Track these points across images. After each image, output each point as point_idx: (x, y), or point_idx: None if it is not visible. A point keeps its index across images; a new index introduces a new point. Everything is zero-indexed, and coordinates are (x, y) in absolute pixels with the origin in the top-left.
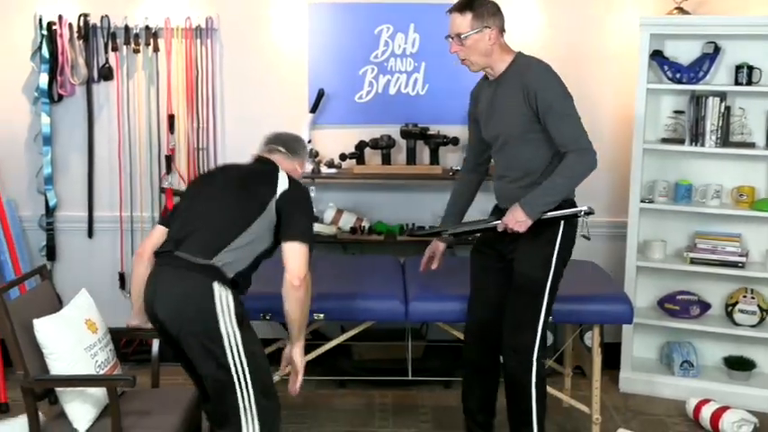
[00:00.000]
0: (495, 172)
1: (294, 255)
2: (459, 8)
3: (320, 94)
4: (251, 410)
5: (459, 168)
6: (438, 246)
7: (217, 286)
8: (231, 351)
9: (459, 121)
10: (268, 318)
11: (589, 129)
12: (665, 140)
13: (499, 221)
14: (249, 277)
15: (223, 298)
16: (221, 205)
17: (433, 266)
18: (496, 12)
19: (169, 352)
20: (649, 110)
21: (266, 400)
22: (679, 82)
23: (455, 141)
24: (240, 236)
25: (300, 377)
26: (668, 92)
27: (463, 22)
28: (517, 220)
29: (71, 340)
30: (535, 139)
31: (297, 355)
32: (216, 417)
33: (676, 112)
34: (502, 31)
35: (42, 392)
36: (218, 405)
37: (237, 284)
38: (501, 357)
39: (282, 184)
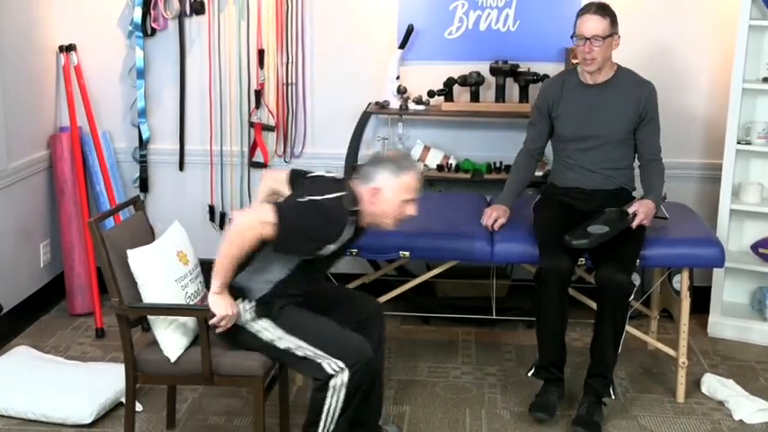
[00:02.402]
0: (572, 162)
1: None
2: (599, 12)
3: (409, 30)
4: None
5: None
6: (503, 210)
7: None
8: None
9: (550, 59)
10: (354, 252)
11: (686, 67)
12: (766, 80)
13: (629, 218)
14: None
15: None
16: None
17: (496, 227)
18: (617, 19)
19: None
20: (750, 48)
21: (337, 347)
22: None
23: (545, 79)
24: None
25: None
26: None
27: (602, 25)
28: (650, 214)
29: (163, 271)
30: (630, 143)
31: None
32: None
33: None
34: None
35: (135, 320)
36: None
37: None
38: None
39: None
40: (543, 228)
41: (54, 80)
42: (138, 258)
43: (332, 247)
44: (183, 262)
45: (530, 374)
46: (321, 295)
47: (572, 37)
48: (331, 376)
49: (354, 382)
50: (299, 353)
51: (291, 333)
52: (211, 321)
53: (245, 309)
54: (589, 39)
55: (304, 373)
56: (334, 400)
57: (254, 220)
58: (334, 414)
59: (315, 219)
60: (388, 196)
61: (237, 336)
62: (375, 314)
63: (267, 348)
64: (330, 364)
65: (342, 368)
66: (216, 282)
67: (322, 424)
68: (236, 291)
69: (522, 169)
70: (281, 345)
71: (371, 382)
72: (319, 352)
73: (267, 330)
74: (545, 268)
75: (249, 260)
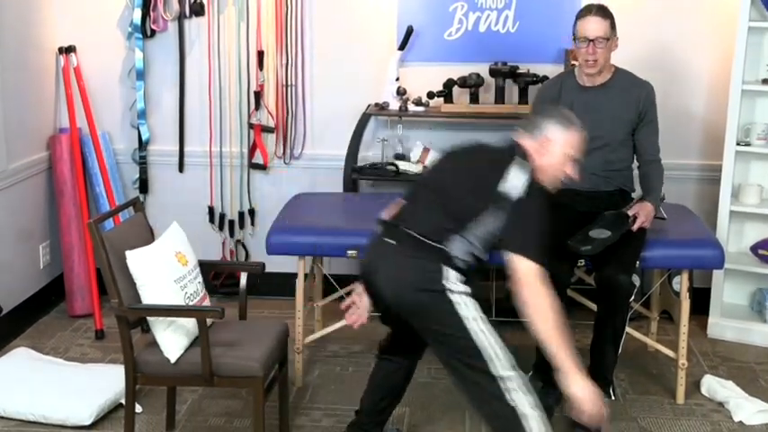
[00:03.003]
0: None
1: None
2: (600, 13)
3: (409, 31)
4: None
5: None
6: None
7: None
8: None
9: (550, 60)
10: (353, 255)
11: (685, 68)
12: (765, 81)
13: (630, 221)
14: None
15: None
16: (454, 186)
17: None
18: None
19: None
20: (750, 49)
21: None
22: None
23: (544, 80)
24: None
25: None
26: None
27: (604, 26)
28: (650, 216)
29: (162, 272)
30: (629, 145)
31: (574, 389)
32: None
33: None
34: None
35: (135, 321)
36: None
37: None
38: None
39: (515, 186)
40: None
41: (54, 81)
42: (136, 259)
43: None
44: (181, 263)
45: (528, 375)
46: None
47: (574, 39)
48: (499, 378)
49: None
50: (479, 342)
51: (483, 319)
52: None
53: (452, 278)
54: (592, 40)
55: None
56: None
57: (529, 272)
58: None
59: (534, 207)
60: (555, 149)
61: (431, 301)
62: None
63: (452, 326)
64: (497, 365)
65: (508, 375)
66: (567, 361)
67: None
68: (437, 254)
69: None
70: (470, 325)
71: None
72: (497, 348)
73: (467, 306)
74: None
75: (461, 227)
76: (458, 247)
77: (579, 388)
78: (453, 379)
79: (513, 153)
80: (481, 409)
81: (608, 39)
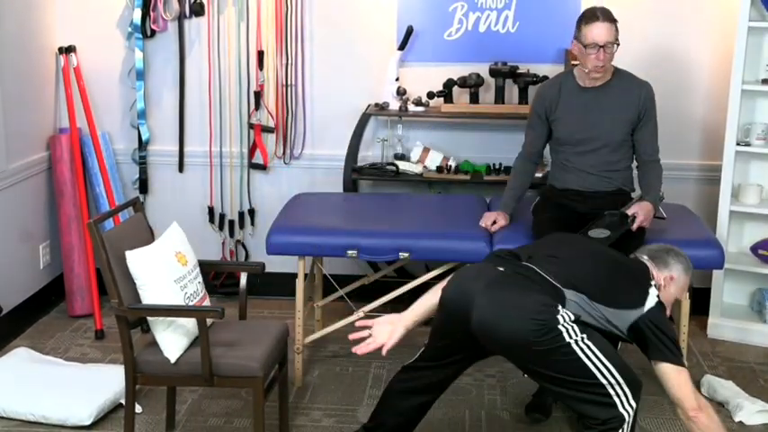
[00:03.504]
0: (570, 165)
1: (673, 381)
2: (608, 18)
3: (409, 31)
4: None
5: None
6: (503, 215)
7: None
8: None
9: (550, 60)
10: (354, 254)
11: (685, 69)
12: (765, 81)
13: (629, 221)
14: None
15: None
16: (594, 263)
17: (494, 229)
18: None
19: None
20: (750, 49)
21: (631, 377)
22: None
23: (544, 80)
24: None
25: None
26: None
27: (612, 31)
28: (649, 216)
29: (162, 272)
30: (628, 145)
31: None
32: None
33: None
34: None
35: (135, 321)
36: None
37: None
38: None
39: (650, 302)
40: (541, 231)
41: (53, 81)
42: (136, 259)
43: None
44: (181, 263)
45: (526, 375)
46: None
47: (580, 44)
48: (621, 416)
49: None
50: (602, 379)
51: (604, 354)
52: None
53: (568, 321)
54: (602, 46)
55: (585, 411)
56: None
57: (691, 394)
58: None
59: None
60: (673, 290)
61: (553, 355)
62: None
63: (577, 370)
64: (623, 399)
65: (633, 406)
66: None
67: None
68: (555, 293)
69: (520, 175)
70: (592, 366)
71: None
72: (620, 380)
73: (589, 350)
74: None
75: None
76: (573, 302)
77: None
78: (562, 398)
79: (649, 279)
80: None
81: (615, 43)
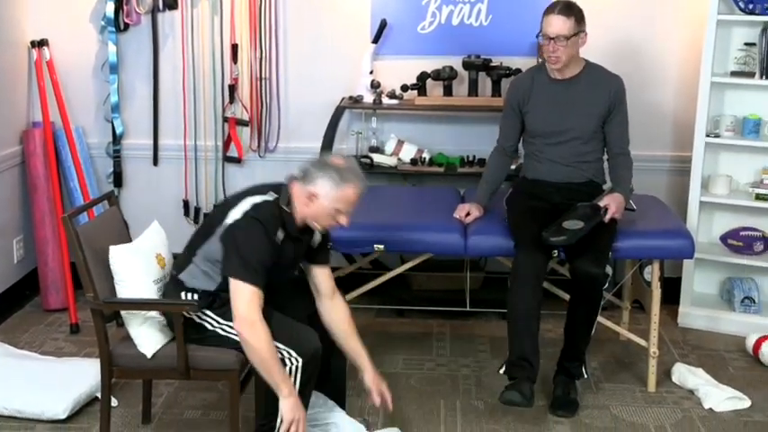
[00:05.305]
0: (542, 156)
1: (231, 293)
2: (563, 12)
3: (382, 25)
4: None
5: None
6: (476, 207)
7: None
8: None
9: (523, 53)
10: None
11: (655, 61)
12: (734, 74)
13: (602, 212)
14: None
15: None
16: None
17: (467, 220)
18: (584, 17)
19: None
20: (719, 42)
21: (289, 338)
22: (751, 13)
23: (517, 73)
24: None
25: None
26: (739, 23)
27: (566, 25)
28: (621, 207)
29: (142, 270)
30: (599, 138)
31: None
32: None
33: (747, 44)
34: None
35: (110, 315)
36: None
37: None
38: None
39: (234, 215)
40: (517, 223)
41: (26, 75)
42: (119, 255)
43: (274, 258)
44: (160, 264)
45: (501, 371)
46: (273, 290)
47: (537, 36)
48: (284, 364)
49: (308, 371)
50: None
51: None
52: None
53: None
54: (553, 38)
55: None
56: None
57: (244, 307)
58: None
59: (257, 237)
60: (323, 203)
61: (188, 330)
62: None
63: (216, 339)
64: (282, 353)
65: (296, 358)
66: (284, 383)
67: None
68: (179, 286)
69: (495, 168)
70: (229, 334)
71: (323, 374)
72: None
73: (213, 320)
74: (521, 264)
75: (191, 257)
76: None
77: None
78: None
79: (279, 192)
80: None
81: (571, 36)
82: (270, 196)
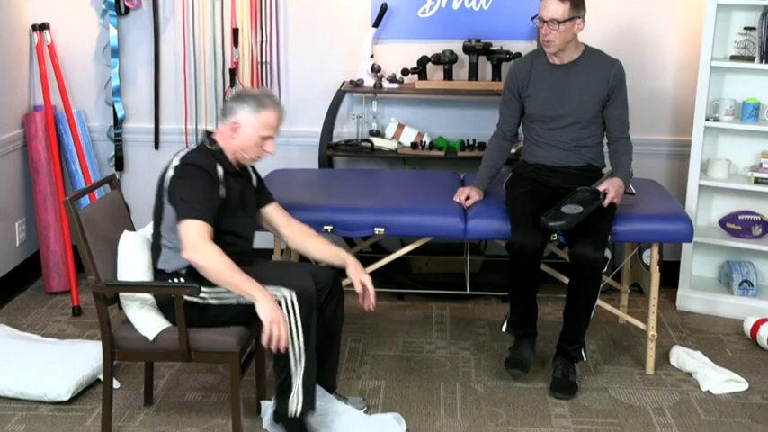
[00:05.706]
0: (542, 140)
1: (180, 231)
2: None
3: (383, 9)
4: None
5: None
6: (476, 190)
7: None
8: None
9: (523, 37)
10: (329, 229)
11: (655, 46)
12: (734, 58)
13: (601, 197)
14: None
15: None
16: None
17: (467, 204)
18: (583, 3)
19: None
20: (718, 26)
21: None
22: None
23: (517, 57)
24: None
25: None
26: (739, 7)
27: (560, 9)
28: (620, 192)
29: (146, 259)
30: (598, 122)
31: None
32: None
33: (747, 28)
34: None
35: (112, 297)
36: None
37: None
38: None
39: (169, 174)
40: (515, 205)
41: (27, 59)
42: (128, 241)
43: (222, 194)
44: None
45: (503, 329)
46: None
47: (532, 18)
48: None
49: (303, 304)
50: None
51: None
52: (267, 337)
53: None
54: (546, 21)
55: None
56: (293, 323)
57: (192, 238)
58: (299, 341)
59: (196, 177)
60: (247, 132)
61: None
62: (329, 282)
63: (215, 310)
64: (275, 294)
65: (287, 291)
66: (253, 289)
67: (291, 353)
68: (163, 276)
69: (495, 152)
70: (215, 301)
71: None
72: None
73: (205, 293)
74: (518, 244)
75: (158, 242)
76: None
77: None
78: None
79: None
80: None
81: (565, 21)
82: (193, 145)
